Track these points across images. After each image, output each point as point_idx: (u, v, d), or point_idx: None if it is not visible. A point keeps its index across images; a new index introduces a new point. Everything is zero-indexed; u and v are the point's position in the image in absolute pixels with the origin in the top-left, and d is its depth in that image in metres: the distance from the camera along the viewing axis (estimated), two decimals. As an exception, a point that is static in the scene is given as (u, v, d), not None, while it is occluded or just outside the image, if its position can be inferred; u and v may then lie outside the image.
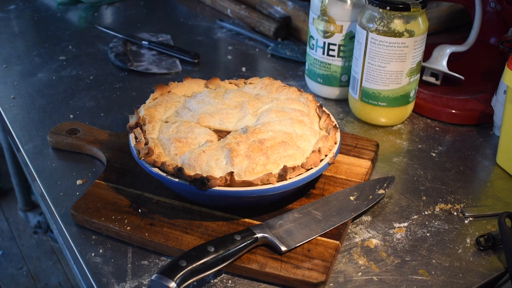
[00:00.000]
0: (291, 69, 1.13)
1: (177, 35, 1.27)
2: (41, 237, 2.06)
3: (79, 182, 0.78)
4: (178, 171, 0.66)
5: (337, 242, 0.66)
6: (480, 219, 0.74)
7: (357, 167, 0.80)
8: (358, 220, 0.72)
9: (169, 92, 0.84)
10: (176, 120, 0.78)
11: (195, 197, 0.70)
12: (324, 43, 0.94)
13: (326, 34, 0.94)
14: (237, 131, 0.75)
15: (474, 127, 0.94)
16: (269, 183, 0.66)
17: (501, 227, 0.66)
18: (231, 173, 0.65)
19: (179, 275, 0.57)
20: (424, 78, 1.01)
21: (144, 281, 0.63)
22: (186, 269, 0.58)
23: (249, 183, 0.65)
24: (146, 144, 0.72)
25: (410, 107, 0.93)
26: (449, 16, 1.28)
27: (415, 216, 0.74)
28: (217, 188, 0.65)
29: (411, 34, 0.83)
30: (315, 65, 0.98)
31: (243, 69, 1.13)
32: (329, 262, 0.64)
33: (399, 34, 0.83)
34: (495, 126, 0.92)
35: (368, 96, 0.90)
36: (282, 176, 0.67)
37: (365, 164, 0.80)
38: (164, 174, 0.67)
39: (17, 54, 1.17)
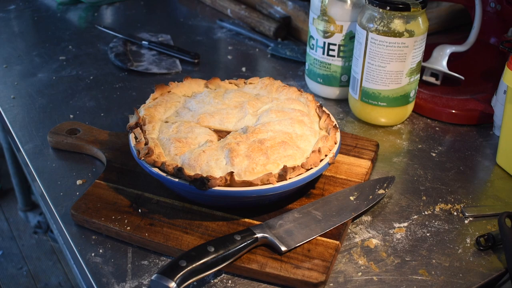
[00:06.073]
0: (291, 69, 1.13)
1: (177, 35, 1.27)
2: (41, 237, 2.06)
3: (79, 182, 0.78)
4: (178, 171, 0.66)
5: (337, 242, 0.66)
6: (480, 219, 0.74)
7: (357, 167, 0.80)
8: (358, 220, 0.72)
9: (169, 92, 0.84)
10: (176, 120, 0.78)
11: (195, 197, 0.70)
12: (324, 43, 0.94)
13: (326, 34, 0.94)
14: (237, 131, 0.75)
15: (474, 127, 0.94)
16: (269, 183, 0.66)
17: (501, 227, 0.67)
18: (231, 173, 0.65)
19: (179, 275, 0.57)
20: (424, 78, 1.01)
21: (144, 281, 0.63)
22: (186, 269, 0.58)
23: (249, 183, 0.65)
24: (146, 144, 0.72)
25: (410, 107, 0.92)
26: (449, 16, 1.28)
27: (415, 216, 0.74)
28: (217, 188, 0.65)
29: (411, 34, 0.83)
30: (315, 65, 0.98)
31: (243, 69, 1.13)
32: (329, 262, 0.64)
33: (399, 34, 0.83)
34: (495, 126, 0.92)
35: (368, 96, 0.90)
36: (282, 176, 0.67)
37: (365, 164, 0.80)
38: (164, 174, 0.67)
39: (17, 54, 1.17)
